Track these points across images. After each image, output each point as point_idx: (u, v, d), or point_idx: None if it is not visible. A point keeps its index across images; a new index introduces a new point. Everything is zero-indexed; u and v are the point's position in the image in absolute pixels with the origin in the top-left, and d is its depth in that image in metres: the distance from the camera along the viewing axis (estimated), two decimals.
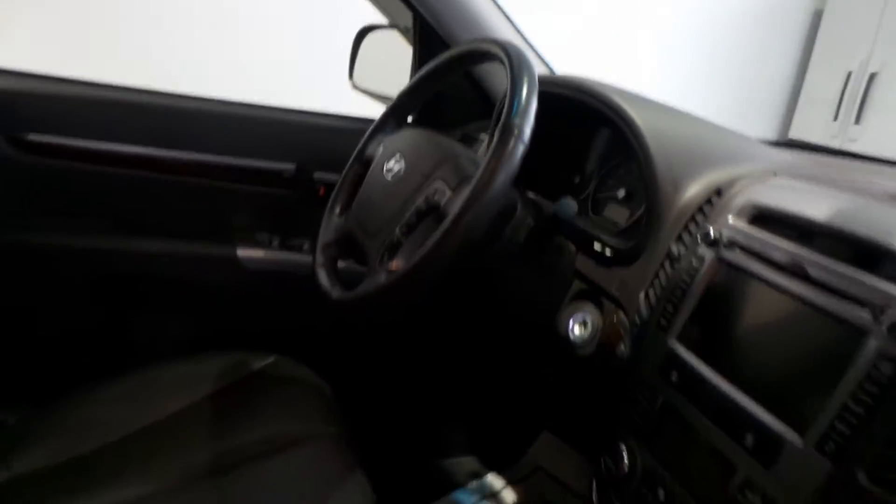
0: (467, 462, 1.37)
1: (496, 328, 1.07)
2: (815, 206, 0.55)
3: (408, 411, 1.33)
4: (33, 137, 1.02)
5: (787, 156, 0.79)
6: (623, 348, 0.69)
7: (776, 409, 0.49)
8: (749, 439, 0.50)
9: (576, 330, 0.78)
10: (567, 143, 0.95)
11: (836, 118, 2.95)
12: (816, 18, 3.18)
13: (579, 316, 0.78)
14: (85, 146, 1.04)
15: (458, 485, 1.29)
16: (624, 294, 0.71)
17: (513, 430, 1.34)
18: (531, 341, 0.90)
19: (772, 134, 3.36)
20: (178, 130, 1.08)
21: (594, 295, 0.77)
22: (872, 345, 0.44)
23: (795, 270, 0.52)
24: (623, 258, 0.74)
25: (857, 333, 0.46)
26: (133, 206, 1.10)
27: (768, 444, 0.48)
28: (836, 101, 2.93)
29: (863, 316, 0.46)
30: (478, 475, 1.33)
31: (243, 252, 1.15)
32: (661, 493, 0.57)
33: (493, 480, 1.31)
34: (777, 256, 0.54)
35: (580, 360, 0.75)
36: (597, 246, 0.78)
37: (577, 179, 0.96)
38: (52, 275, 1.09)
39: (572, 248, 0.83)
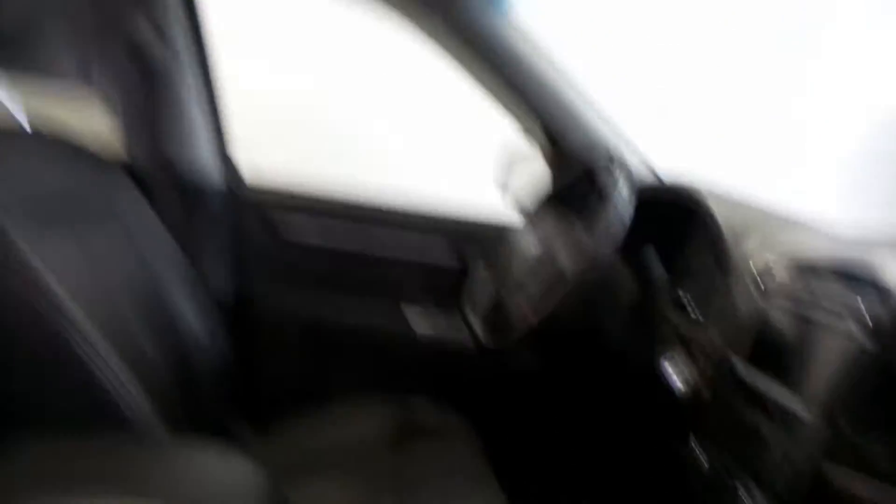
0: None
1: (612, 380, 1.29)
2: (829, 251, 0.77)
3: (545, 469, 1.53)
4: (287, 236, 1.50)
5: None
6: (704, 385, 0.90)
7: (798, 397, 0.70)
8: (778, 417, 0.70)
9: (672, 375, 0.99)
10: (670, 229, 1.21)
11: None
12: None
13: (673, 364, 1.00)
14: (312, 243, 1.50)
15: None
16: (706, 340, 0.93)
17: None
18: (638, 388, 1.11)
19: None
20: (375, 232, 1.51)
21: (685, 345, 0.99)
22: (856, 345, 0.65)
23: (811, 301, 0.73)
24: (703, 311, 0.96)
25: (849, 339, 0.66)
26: (340, 280, 1.52)
27: (789, 419, 0.69)
28: None
29: (852, 327, 0.67)
30: None
31: (412, 316, 1.51)
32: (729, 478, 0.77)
33: None
34: (800, 293, 0.76)
35: (676, 401, 0.96)
36: (684, 301, 1.01)
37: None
38: (277, 324, 1.53)
39: (668, 306, 1.06)
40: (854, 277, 0.70)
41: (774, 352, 0.78)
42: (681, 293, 1.04)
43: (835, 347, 0.68)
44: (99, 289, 0.93)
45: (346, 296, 1.53)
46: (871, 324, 0.64)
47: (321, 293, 1.53)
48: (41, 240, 0.85)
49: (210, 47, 1.34)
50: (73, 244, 0.92)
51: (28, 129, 1.05)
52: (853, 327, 0.66)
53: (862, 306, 0.66)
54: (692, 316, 0.99)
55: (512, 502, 1.08)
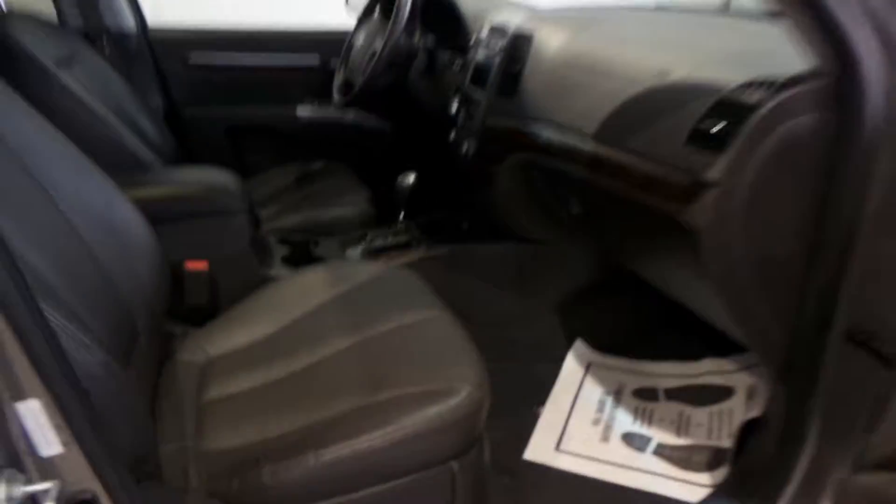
0: None
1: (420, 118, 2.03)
2: (515, 22, 1.48)
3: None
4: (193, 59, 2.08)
5: None
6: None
7: (487, 91, 1.45)
8: (473, 106, 1.46)
9: (454, 109, 1.72)
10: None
11: None
12: None
13: (455, 105, 1.72)
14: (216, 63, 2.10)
15: None
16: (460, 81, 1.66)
17: None
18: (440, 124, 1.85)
19: None
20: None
21: (458, 90, 1.71)
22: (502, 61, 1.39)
23: (497, 47, 1.46)
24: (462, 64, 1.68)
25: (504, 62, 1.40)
26: (242, 89, 2.14)
27: (476, 103, 1.44)
28: None
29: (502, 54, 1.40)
30: None
31: (300, 110, 2.18)
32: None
33: None
34: (495, 45, 1.48)
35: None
36: (454, 64, 1.73)
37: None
38: (201, 126, 2.17)
39: (447, 68, 1.76)
40: (504, 32, 1.42)
41: (487, 75, 1.50)
42: (453, 59, 1.75)
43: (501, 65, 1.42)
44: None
45: (247, 102, 2.18)
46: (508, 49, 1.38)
47: (229, 102, 2.16)
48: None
49: None
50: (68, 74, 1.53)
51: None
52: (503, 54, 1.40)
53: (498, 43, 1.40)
54: (457, 70, 1.71)
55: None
